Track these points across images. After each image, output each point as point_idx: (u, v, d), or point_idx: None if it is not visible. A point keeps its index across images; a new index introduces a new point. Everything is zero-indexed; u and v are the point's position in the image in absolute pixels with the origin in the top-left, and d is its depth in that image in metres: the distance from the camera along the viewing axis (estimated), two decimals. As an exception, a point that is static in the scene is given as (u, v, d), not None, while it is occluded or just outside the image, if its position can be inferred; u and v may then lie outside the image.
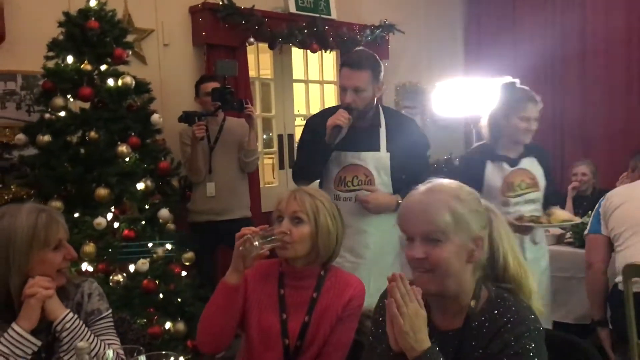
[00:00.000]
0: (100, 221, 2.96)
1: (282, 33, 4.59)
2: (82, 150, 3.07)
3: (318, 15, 4.87)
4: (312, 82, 5.46)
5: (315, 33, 4.79)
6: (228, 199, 3.80)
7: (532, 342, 1.37)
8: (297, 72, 5.30)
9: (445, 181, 1.51)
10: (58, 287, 1.74)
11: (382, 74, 2.69)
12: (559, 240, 3.73)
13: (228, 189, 3.80)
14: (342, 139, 2.62)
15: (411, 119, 3.08)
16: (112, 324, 1.86)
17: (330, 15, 5.03)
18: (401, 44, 5.57)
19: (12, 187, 3.54)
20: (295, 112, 5.35)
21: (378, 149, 2.71)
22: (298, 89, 5.35)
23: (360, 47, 3.02)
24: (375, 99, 2.72)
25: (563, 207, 3.39)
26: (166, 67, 4.25)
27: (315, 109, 5.59)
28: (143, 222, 3.09)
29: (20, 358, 1.64)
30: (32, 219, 1.69)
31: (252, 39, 4.43)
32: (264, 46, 4.89)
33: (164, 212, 3.14)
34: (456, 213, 1.41)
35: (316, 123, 2.73)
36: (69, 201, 3.05)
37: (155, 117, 3.26)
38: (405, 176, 2.67)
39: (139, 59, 4.08)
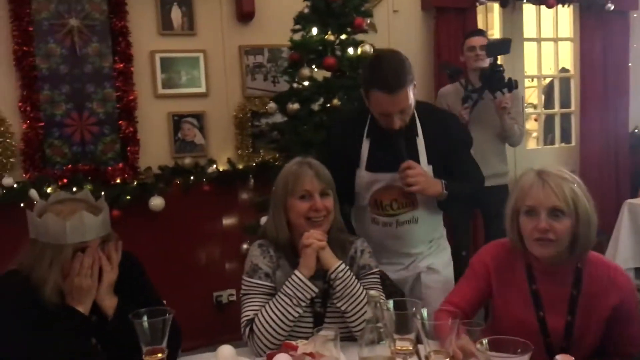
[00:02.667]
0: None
1: (516, -11, 4.34)
2: (325, 117, 3.24)
3: (556, -34, 4.50)
4: (545, 40, 5.10)
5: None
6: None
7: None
8: (528, 30, 4.99)
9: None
10: (333, 241, 1.94)
11: (413, 74, 2.16)
12: None
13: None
14: (371, 158, 2.25)
15: (449, 113, 2.55)
16: (379, 279, 1.99)
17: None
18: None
19: (261, 151, 3.95)
20: (526, 73, 5.07)
21: (418, 164, 2.21)
22: (529, 48, 5.04)
23: (387, 63, 2.16)
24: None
25: None
26: (395, 33, 4.32)
27: (547, 69, 5.25)
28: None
29: (302, 301, 1.84)
30: (288, 169, 1.99)
31: (483, -1, 4.27)
32: (492, 5, 4.68)
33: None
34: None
35: (336, 137, 2.38)
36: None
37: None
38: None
39: (370, 27, 4.17)
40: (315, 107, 3.36)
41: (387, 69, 2.10)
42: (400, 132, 2.16)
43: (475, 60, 3.69)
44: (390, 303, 1.40)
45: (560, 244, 1.70)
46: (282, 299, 1.84)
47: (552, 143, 5.43)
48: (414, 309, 1.38)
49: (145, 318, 1.46)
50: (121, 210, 3.50)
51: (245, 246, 3.45)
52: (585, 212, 1.69)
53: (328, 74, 3.34)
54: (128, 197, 3.58)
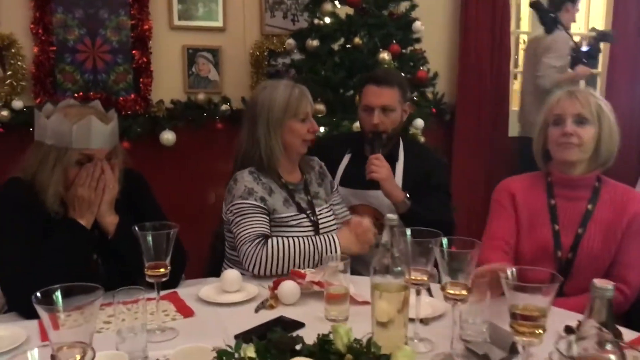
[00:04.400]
0: (357, 125, 3.02)
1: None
2: (345, 57, 3.12)
3: None
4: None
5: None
6: None
7: None
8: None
9: None
10: (302, 161, 2.10)
11: (408, 93, 2.32)
12: None
13: None
14: (348, 172, 2.33)
15: (437, 157, 2.51)
16: None
17: None
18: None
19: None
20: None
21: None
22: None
23: (383, 67, 2.51)
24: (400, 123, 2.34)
25: None
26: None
27: (579, 25, 5.04)
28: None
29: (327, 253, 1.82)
30: (287, 92, 1.99)
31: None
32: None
33: (419, 122, 3.10)
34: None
35: (322, 148, 2.32)
36: (329, 105, 3.17)
37: (417, 25, 3.20)
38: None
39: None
40: (336, 46, 3.24)
41: (382, 70, 2.41)
42: (379, 134, 2.24)
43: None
44: (408, 231, 1.33)
45: (583, 150, 1.79)
46: (313, 245, 1.87)
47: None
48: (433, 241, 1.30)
49: (149, 231, 1.40)
50: (131, 142, 3.43)
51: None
52: (608, 124, 1.79)
53: (351, 12, 3.20)
54: (138, 129, 3.51)
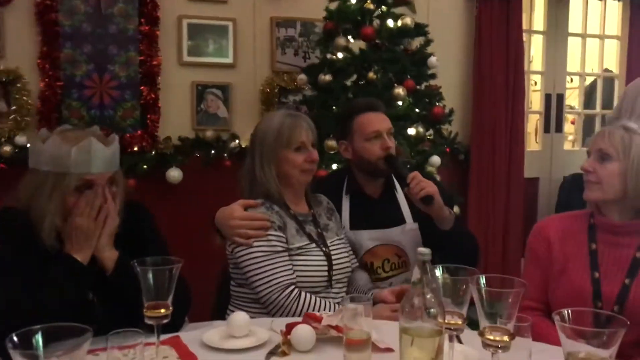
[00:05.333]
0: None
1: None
2: (359, 92, 3.03)
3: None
4: (591, 37, 4.82)
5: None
6: None
7: None
8: (574, 25, 4.73)
9: None
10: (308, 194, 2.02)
11: None
12: None
13: None
14: (355, 215, 2.16)
15: (429, 174, 2.37)
16: None
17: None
18: None
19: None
20: (568, 70, 4.80)
21: (404, 221, 2.16)
22: (573, 44, 4.78)
23: (363, 97, 2.44)
24: None
25: None
26: (435, 16, 4.07)
27: (592, 66, 4.97)
28: (413, 168, 2.97)
29: None
30: (280, 121, 1.91)
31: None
32: (539, -5, 4.44)
33: (435, 159, 2.99)
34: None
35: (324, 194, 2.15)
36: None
37: (432, 60, 3.11)
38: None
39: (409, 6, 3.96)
40: (349, 82, 3.16)
41: (365, 99, 2.28)
42: (393, 157, 2.11)
43: None
44: (440, 268, 1.18)
45: (605, 188, 1.64)
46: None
47: (592, 146, 5.14)
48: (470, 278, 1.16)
49: (149, 266, 1.26)
50: (137, 179, 3.31)
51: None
52: (638, 159, 1.62)
53: (364, 46, 3.13)
54: (145, 166, 3.41)
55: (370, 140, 2.12)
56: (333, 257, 1.93)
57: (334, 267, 1.92)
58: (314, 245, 1.90)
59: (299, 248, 1.87)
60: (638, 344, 1.56)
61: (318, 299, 1.81)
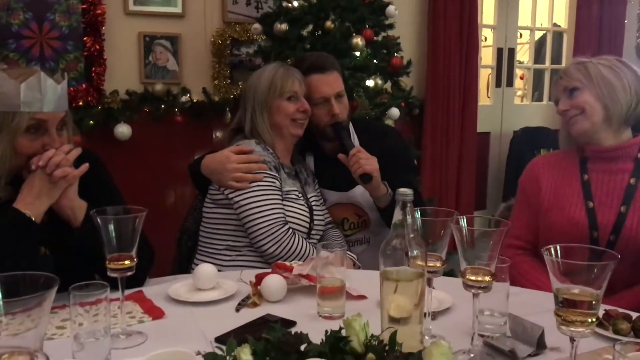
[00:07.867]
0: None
1: None
2: (316, 43, 2.94)
3: None
4: (541, -9, 4.86)
5: None
6: None
7: None
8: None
9: None
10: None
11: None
12: None
13: None
14: (320, 173, 2.11)
15: (389, 127, 2.34)
16: None
17: None
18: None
19: (239, 83, 3.62)
20: (520, 24, 4.83)
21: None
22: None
23: (312, 53, 2.27)
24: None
25: None
26: None
27: (542, 21, 5.02)
28: (372, 120, 2.93)
29: None
30: (273, 71, 1.94)
31: None
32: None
33: (394, 111, 2.95)
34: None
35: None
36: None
37: (390, 10, 3.04)
38: None
39: None
40: (305, 32, 3.05)
41: (314, 55, 2.18)
42: (341, 123, 2.02)
43: None
44: (419, 211, 1.14)
45: (589, 113, 1.65)
46: None
47: (540, 100, 5.24)
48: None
49: (112, 215, 1.17)
50: (83, 136, 3.14)
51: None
52: (602, 80, 1.64)
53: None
54: (91, 122, 3.24)
55: (317, 106, 2.01)
56: (314, 210, 1.96)
57: (315, 220, 1.94)
58: (300, 194, 1.93)
59: (287, 192, 1.88)
60: (631, 275, 1.58)
61: (307, 243, 1.83)
